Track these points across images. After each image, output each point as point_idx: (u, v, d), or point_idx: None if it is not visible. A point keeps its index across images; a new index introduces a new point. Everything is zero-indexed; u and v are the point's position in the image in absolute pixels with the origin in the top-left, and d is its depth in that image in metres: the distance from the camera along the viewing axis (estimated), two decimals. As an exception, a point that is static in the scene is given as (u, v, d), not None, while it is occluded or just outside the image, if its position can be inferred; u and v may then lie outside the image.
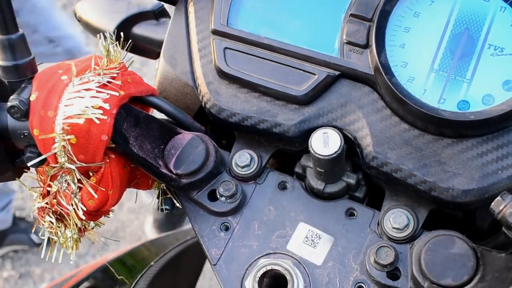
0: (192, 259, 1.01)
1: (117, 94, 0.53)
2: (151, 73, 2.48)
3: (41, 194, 0.62)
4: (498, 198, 0.49)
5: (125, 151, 0.57)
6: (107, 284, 0.87)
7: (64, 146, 0.53)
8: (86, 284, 0.86)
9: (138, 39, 0.78)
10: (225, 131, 0.66)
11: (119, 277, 0.83)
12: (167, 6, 0.78)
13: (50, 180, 0.60)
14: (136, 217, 2.30)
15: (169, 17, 0.83)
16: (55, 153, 0.54)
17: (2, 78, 0.56)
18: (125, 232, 2.25)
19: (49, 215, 0.62)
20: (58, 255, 0.64)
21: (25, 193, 2.35)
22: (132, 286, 0.77)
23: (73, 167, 0.55)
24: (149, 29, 0.79)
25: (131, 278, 0.81)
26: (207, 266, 1.00)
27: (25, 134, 0.55)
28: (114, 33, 0.58)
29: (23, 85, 0.55)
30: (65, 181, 0.59)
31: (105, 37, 0.57)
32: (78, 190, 0.58)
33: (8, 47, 0.54)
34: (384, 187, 0.59)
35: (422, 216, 0.57)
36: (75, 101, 0.52)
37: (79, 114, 0.51)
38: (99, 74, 0.54)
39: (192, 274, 1.07)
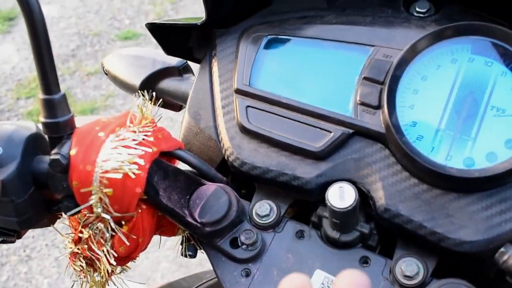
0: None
1: (150, 150, 0.58)
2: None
3: (73, 240, 0.66)
4: (502, 249, 0.53)
5: (155, 202, 0.61)
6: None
7: (100, 198, 0.58)
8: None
9: (163, 94, 0.83)
10: (245, 182, 0.70)
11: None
12: (190, 62, 0.83)
13: (82, 227, 0.64)
14: (146, 257, 2.33)
15: (192, 73, 0.89)
16: (91, 204, 0.59)
17: (43, 133, 0.61)
18: (135, 272, 2.27)
19: (80, 259, 0.66)
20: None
21: None
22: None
23: (108, 217, 0.59)
24: (173, 84, 0.84)
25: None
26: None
27: (64, 185, 0.59)
28: (140, 87, 0.63)
29: (63, 141, 0.59)
30: (97, 228, 0.63)
31: (140, 95, 0.62)
32: (110, 237, 0.62)
33: (50, 106, 0.58)
34: (396, 237, 0.63)
35: (431, 264, 0.60)
36: (112, 157, 0.57)
37: (116, 169, 0.56)
38: (134, 132, 0.59)
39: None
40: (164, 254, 2.35)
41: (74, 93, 3.19)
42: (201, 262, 2.28)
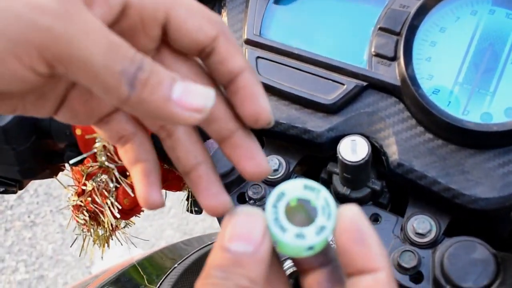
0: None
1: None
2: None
3: (76, 192, 0.65)
4: (519, 206, 0.52)
5: (161, 152, 0.59)
6: (130, 287, 0.89)
7: (105, 146, 0.56)
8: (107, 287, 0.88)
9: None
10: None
11: (142, 279, 0.85)
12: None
13: (86, 179, 0.62)
14: (150, 224, 2.33)
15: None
16: (95, 153, 0.57)
17: None
18: (139, 239, 2.27)
19: (83, 213, 0.65)
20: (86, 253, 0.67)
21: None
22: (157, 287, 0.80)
23: (112, 166, 0.57)
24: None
25: (155, 279, 0.83)
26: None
27: (67, 133, 0.58)
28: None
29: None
30: (101, 180, 0.61)
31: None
32: (114, 189, 0.61)
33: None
34: (408, 195, 0.61)
35: (444, 222, 0.59)
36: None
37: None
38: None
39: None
40: (168, 222, 2.35)
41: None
42: (205, 231, 2.28)
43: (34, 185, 2.50)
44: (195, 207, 0.68)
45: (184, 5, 0.38)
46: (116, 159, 0.56)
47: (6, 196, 2.48)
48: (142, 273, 0.84)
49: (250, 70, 0.39)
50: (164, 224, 2.34)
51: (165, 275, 0.81)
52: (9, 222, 2.44)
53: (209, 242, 0.97)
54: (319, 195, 0.38)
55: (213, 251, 0.36)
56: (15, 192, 0.65)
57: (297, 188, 0.39)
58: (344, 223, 0.36)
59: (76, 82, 0.37)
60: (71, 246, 0.55)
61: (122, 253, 1.21)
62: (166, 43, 0.39)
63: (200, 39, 0.38)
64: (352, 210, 0.37)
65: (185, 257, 0.87)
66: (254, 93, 0.39)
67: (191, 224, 2.32)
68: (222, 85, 0.40)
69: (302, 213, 0.39)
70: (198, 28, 0.38)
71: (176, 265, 0.84)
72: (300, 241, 0.37)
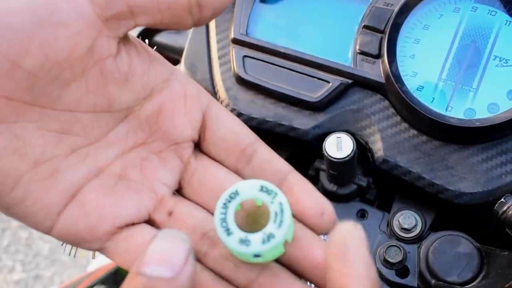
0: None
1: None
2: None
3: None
4: (502, 200, 0.52)
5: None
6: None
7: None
8: (97, 287, 0.88)
9: (159, 47, 0.81)
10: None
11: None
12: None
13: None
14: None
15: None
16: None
17: None
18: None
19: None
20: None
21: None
22: None
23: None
24: (170, 37, 0.82)
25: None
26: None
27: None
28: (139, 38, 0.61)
29: None
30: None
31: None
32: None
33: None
34: (394, 190, 0.62)
35: (429, 218, 0.60)
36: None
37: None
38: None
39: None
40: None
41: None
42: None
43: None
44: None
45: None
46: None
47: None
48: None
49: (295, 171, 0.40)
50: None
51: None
52: (6, 222, 2.45)
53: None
54: (275, 199, 0.35)
55: (127, 278, 0.32)
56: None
57: (253, 188, 0.36)
58: (335, 237, 0.34)
59: None
60: (61, 245, 0.55)
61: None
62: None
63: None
64: (346, 226, 0.34)
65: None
66: (310, 188, 0.39)
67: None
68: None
69: (259, 216, 0.37)
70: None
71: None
72: (243, 247, 0.34)
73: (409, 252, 0.58)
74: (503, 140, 0.57)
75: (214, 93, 0.67)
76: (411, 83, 0.59)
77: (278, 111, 0.63)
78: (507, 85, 0.57)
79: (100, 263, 1.17)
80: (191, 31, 0.71)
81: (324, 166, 0.61)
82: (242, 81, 0.64)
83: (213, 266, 0.38)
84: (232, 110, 0.64)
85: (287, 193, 0.38)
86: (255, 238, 0.34)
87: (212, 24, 0.69)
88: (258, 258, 0.35)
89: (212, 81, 0.68)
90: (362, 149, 0.61)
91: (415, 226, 0.59)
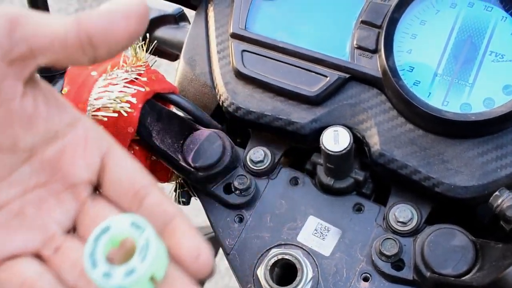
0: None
1: (143, 89, 0.57)
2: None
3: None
4: (496, 193, 0.53)
5: (148, 144, 0.61)
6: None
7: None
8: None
9: (159, 42, 0.82)
10: (240, 130, 0.70)
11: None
12: (187, 11, 0.82)
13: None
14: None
15: (189, 21, 0.87)
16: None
17: (36, 72, 0.60)
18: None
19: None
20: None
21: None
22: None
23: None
24: (169, 32, 0.83)
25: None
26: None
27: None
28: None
29: (55, 80, 0.59)
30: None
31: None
32: (102, 180, 0.61)
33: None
34: (390, 184, 0.62)
35: (425, 211, 0.60)
36: (104, 95, 0.56)
37: (107, 107, 0.55)
38: (127, 71, 0.58)
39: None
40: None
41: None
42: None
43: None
44: (182, 197, 0.69)
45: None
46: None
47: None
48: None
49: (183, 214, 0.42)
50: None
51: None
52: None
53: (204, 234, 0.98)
54: (142, 234, 0.37)
55: None
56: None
57: (124, 223, 0.38)
58: None
59: None
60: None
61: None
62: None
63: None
64: None
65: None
66: (193, 232, 0.41)
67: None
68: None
69: (132, 251, 0.38)
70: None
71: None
72: (106, 280, 0.36)
73: (404, 245, 0.58)
74: (499, 135, 0.58)
75: (213, 87, 0.68)
76: (407, 78, 0.59)
77: (276, 105, 0.63)
78: (502, 80, 0.58)
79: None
80: (190, 25, 0.72)
81: (321, 160, 0.62)
82: (240, 75, 0.65)
83: None
84: (231, 104, 0.65)
85: (169, 235, 0.40)
86: (118, 271, 0.36)
87: (211, 19, 0.69)
88: None
89: (211, 75, 0.68)
90: (359, 143, 0.62)
91: (411, 219, 0.59)
